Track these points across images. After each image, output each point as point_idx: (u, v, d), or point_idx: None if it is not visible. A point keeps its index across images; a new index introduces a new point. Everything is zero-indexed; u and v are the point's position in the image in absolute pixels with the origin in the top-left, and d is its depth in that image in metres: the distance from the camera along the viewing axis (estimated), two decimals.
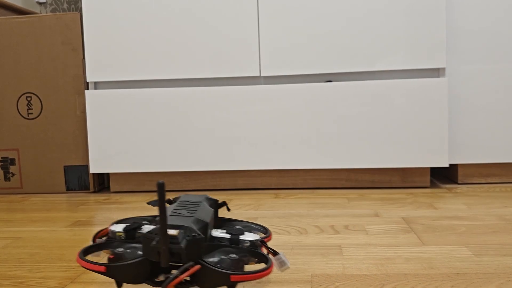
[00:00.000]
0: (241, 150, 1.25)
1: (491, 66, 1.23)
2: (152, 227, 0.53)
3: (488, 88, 1.23)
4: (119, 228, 0.54)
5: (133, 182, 1.33)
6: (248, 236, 0.53)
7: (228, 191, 1.28)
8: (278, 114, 1.23)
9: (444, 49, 1.19)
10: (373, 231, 0.82)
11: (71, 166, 1.34)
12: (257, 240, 0.52)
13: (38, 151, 1.34)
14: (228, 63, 1.24)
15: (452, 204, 1.03)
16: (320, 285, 0.58)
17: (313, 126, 1.22)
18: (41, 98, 1.33)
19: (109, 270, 0.46)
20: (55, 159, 1.34)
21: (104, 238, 0.55)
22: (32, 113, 1.34)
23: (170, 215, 0.51)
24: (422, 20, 1.19)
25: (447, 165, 1.21)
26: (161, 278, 0.49)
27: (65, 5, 1.81)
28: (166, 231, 0.43)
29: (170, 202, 0.63)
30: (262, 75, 1.24)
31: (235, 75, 1.24)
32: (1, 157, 1.36)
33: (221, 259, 0.49)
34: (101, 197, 1.27)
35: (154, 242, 0.45)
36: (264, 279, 0.61)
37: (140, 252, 0.49)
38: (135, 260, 0.47)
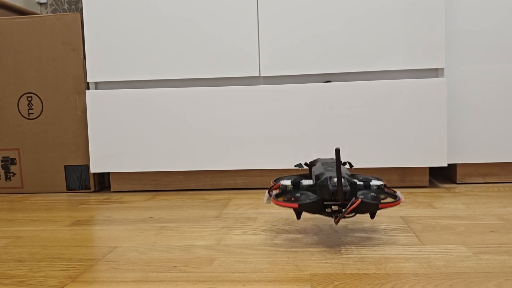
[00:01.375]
0: (240, 150, 1.25)
1: (490, 66, 1.23)
2: (310, 181, 0.78)
3: (487, 88, 1.24)
4: (288, 182, 0.77)
5: (134, 182, 1.33)
6: (375, 182, 0.76)
7: (228, 191, 1.29)
8: (277, 114, 1.24)
9: (443, 49, 1.19)
10: (372, 231, 0.82)
11: (72, 165, 1.34)
12: (382, 184, 0.76)
13: (38, 150, 1.35)
14: (227, 64, 1.24)
15: (450, 203, 1.04)
16: (319, 284, 0.58)
17: (312, 126, 1.23)
18: (41, 98, 1.33)
19: (300, 206, 0.71)
20: (55, 159, 1.34)
21: (275, 191, 0.80)
22: (32, 113, 1.34)
23: (329, 169, 0.74)
24: (421, 20, 1.19)
25: (446, 165, 1.21)
26: (328, 210, 0.71)
27: (66, 6, 1.81)
28: (341, 179, 0.68)
29: (309, 164, 0.86)
30: (261, 75, 1.24)
31: (234, 75, 1.25)
32: (2, 157, 1.36)
33: (366, 195, 0.73)
34: (101, 196, 1.28)
35: (330, 186, 0.69)
36: (264, 278, 0.61)
37: (311, 195, 0.74)
38: (315, 199, 0.71)
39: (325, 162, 0.81)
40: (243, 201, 1.14)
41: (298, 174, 0.88)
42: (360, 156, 1.22)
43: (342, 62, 1.22)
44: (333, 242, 0.76)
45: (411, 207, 1.01)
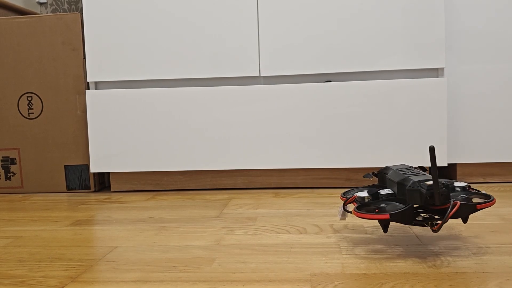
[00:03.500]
0: (240, 150, 1.25)
1: (490, 66, 1.23)
2: (388, 190, 0.73)
3: (487, 88, 1.24)
4: (365, 193, 0.72)
5: (134, 182, 1.33)
6: (458, 183, 0.73)
7: (228, 191, 1.29)
8: (277, 114, 1.24)
9: (443, 49, 1.19)
10: (372, 230, 0.82)
11: (72, 165, 1.34)
12: (466, 185, 0.72)
13: (38, 150, 1.35)
14: (228, 63, 1.24)
15: None
16: (319, 284, 0.58)
17: (312, 126, 1.23)
18: (41, 98, 1.33)
19: (392, 216, 0.65)
20: (55, 159, 1.34)
21: (349, 204, 0.76)
22: (32, 113, 1.34)
23: (415, 175, 0.70)
24: (421, 20, 1.19)
25: (446, 165, 1.21)
26: (419, 218, 0.67)
27: (66, 6, 1.81)
28: (437, 181, 0.63)
29: (379, 173, 0.81)
30: (261, 75, 1.24)
31: (235, 75, 1.25)
32: (2, 157, 1.36)
33: (460, 197, 0.69)
34: (101, 196, 1.28)
35: (424, 190, 0.64)
36: (264, 278, 0.61)
37: (397, 204, 0.69)
38: (407, 207, 0.66)
39: (399, 169, 0.76)
40: (243, 201, 1.14)
41: (363, 186, 0.84)
42: (360, 156, 1.22)
43: (342, 62, 1.22)
44: (333, 242, 0.76)
45: None
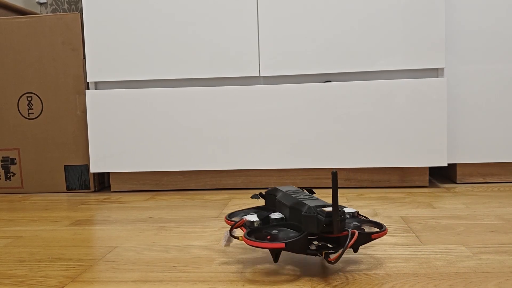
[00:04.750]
0: (240, 150, 1.25)
1: (490, 66, 1.23)
2: (278, 214, 0.67)
3: (487, 88, 1.24)
4: (255, 218, 0.66)
5: (134, 182, 1.33)
6: (348, 210, 0.69)
7: (227, 191, 1.29)
8: (277, 114, 1.24)
9: (443, 49, 1.19)
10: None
11: (72, 165, 1.34)
12: (355, 211, 0.69)
13: (38, 150, 1.35)
14: (228, 63, 1.24)
15: (450, 203, 1.04)
16: (319, 284, 0.58)
17: (312, 126, 1.23)
18: (41, 98, 1.33)
19: (287, 245, 0.59)
20: (55, 159, 1.34)
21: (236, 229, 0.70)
22: (32, 113, 1.34)
23: (308, 199, 0.64)
24: (421, 20, 1.19)
25: (446, 165, 1.21)
26: (312, 247, 0.61)
27: (66, 6, 1.81)
28: (337, 208, 0.57)
29: (263, 196, 0.76)
30: (261, 75, 1.24)
31: (234, 75, 1.25)
32: (2, 157, 1.36)
33: (352, 225, 0.65)
34: (101, 196, 1.28)
35: (322, 217, 0.58)
36: (264, 278, 0.61)
37: (290, 231, 0.63)
38: (303, 234, 0.60)
39: (289, 191, 0.71)
40: (243, 201, 1.14)
41: (250, 207, 0.77)
42: (360, 156, 1.22)
43: (341, 62, 1.22)
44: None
45: (411, 207, 1.01)
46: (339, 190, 1.24)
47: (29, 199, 1.27)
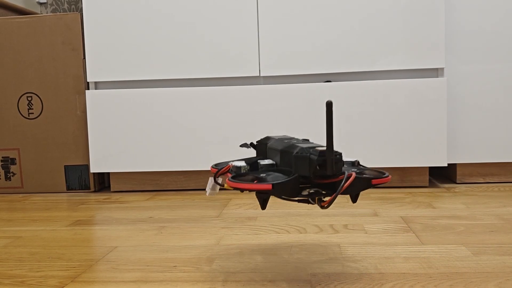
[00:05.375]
0: (240, 150, 1.25)
1: (489, 66, 1.23)
2: (269, 160, 0.60)
3: (486, 88, 1.24)
4: (242, 163, 0.60)
5: (134, 182, 1.33)
6: (346, 159, 0.61)
7: (227, 191, 1.29)
8: (277, 114, 1.24)
9: (443, 49, 1.19)
10: (372, 231, 0.82)
11: (72, 165, 1.34)
12: (355, 160, 0.61)
13: (38, 150, 1.35)
14: (228, 63, 1.24)
15: (450, 203, 1.04)
16: (319, 284, 0.58)
17: (312, 126, 1.23)
18: (41, 98, 1.33)
19: (275, 187, 0.51)
20: (55, 159, 1.34)
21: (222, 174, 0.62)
22: (32, 113, 1.34)
23: (301, 143, 0.58)
24: (421, 20, 1.19)
25: (446, 165, 1.21)
26: (305, 192, 0.54)
27: (66, 5, 1.81)
28: (332, 145, 0.50)
29: (257, 144, 0.68)
30: (261, 75, 1.24)
31: (235, 75, 1.25)
32: (2, 157, 1.36)
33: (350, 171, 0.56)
34: (101, 196, 1.28)
35: (314, 157, 0.51)
36: (264, 278, 0.61)
37: (280, 175, 0.55)
38: (293, 177, 0.52)
39: (280, 138, 0.64)
40: (243, 201, 1.14)
41: (241, 159, 0.70)
42: (360, 156, 1.22)
43: (342, 62, 1.22)
44: (333, 242, 0.76)
45: (411, 207, 1.01)
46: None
47: (29, 199, 1.27)
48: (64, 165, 1.35)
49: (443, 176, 1.43)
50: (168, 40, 1.25)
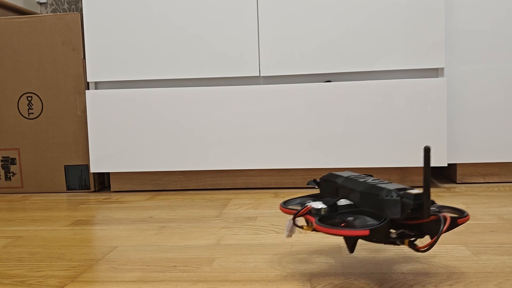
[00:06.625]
0: (240, 150, 1.25)
1: (490, 66, 1.23)
2: (345, 200, 0.60)
3: (487, 88, 1.24)
4: (322, 204, 0.59)
5: (134, 182, 1.33)
6: (414, 191, 0.59)
7: (227, 191, 1.29)
8: (277, 114, 1.24)
9: (443, 49, 1.19)
10: None
11: (72, 165, 1.34)
12: (420, 193, 0.60)
13: (38, 150, 1.35)
14: (228, 63, 1.24)
15: (450, 203, 1.04)
16: (319, 284, 0.58)
17: (312, 126, 1.23)
18: (41, 98, 1.33)
19: (372, 232, 0.52)
20: (55, 159, 1.34)
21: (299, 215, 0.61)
22: (32, 113, 1.34)
23: (382, 183, 0.58)
24: (421, 20, 1.19)
25: (446, 165, 1.21)
26: (393, 235, 0.55)
27: (66, 5, 1.81)
28: (429, 190, 0.51)
29: (317, 182, 0.69)
30: (261, 75, 1.24)
31: (235, 75, 1.25)
32: (2, 157, 1.36)
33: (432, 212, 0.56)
34: (101, 196, 1.28)
35: (410, 201, 0.52)
36: (264, 278, 0.61)
37: (367, 218, 0.56)
38: (387, 220, 0.53)
39: (350, 177, 0.64)
40: (243, 201, 1.14)
41: (304, 195, 0.70)
42: (360, 156, 1.22)
43: (342, 62, 1.22)
44: (333, 242, 0.76)
45: None
46: None
47: (29, 199, 1.27)
48: (64, 165, 1.35)
49: (443, 176, 1.43)
50: (168, 40, 1.25)
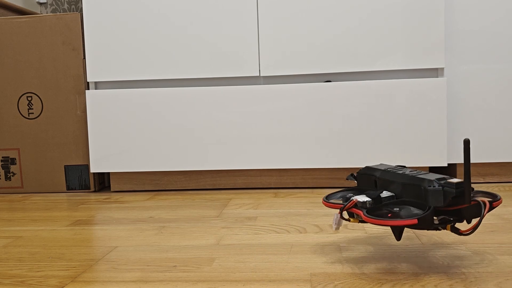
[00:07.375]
0: (240, 150, 1.25)
1: (489, 66, 1.23)
2: (387, 192, 0.65)
3: (486, 88, 1.24)
4: (366, 197, 0.63)
5: (134, 182, 1.33)
6: (454, 180, 0.62)
7: (227, 190, 1.29)
8: (277, 114, 1.24)
9: (443, 49, 1.19)
10: (372, 230, 0.83)
11: (72, 165, 1.34)
12: (461, 181, 0.63)
13: (38, 150, 1.35)
14: (228, 63, 1.24)
15: None
16: (319, 284, 0.58)
17: (312, 126, 1.23)
18: (41, 98, 1.33)
19: (420, 221, 0.57)
20: (55, 159, 1.34)
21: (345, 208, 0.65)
22: (32, 113, 1.34)
23: (421, 174, 0.63)
24: (421, 20, 1.19)
25: (446, 165, 1.21)
26: (436, 221, 0.60)
27: (66, 6, 1.81)
28: (469, 178, 0.56)
29: (355, 176, 0.72)
30: (261, 75, 1.24)
31: (235, 75, 1.25)
32: (2, 157, 1.36)
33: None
34: (101, 196, 1.28)
35: (452, 189, 0.57)
36: (264, 278, 0.61)
37: (411, 208, 0.61)
38: (431, 209, 0.58)
39: (388, 168, 0.69)
40: (243, 201, 1.14)
41: (343, 189, 0.73)
42: (360, 156, 1.22)
43: (342, 62, 1.22)
44: (333, 242, 0.76)
45: None
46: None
47: (29, 199, 1.27)
48: (64, 165, 1.35)
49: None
50: (168, 40, 1.25)
